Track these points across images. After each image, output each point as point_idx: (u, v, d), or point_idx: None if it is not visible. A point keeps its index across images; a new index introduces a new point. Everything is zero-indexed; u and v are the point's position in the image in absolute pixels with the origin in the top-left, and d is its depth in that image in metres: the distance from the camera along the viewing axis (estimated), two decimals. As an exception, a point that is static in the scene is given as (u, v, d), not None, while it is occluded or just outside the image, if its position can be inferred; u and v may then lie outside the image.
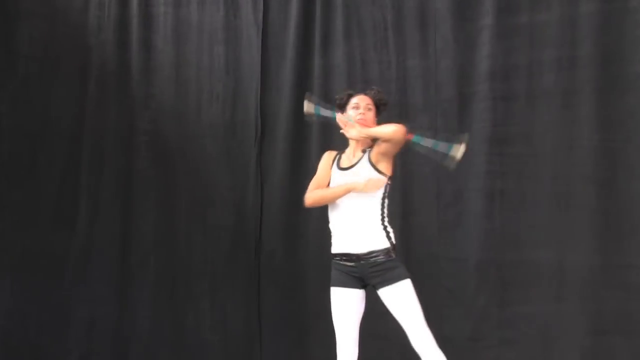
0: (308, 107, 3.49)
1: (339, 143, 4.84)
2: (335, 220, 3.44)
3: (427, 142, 3.42)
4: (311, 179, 4.85)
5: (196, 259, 5.02)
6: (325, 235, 4.82)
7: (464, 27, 4.70)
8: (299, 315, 4.85)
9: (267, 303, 4.91)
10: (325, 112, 3.49)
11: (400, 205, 4.71)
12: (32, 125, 5.09)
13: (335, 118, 3.48)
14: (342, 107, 3.54)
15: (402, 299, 3.31)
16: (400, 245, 4.71)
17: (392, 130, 3.35)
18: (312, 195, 3.49)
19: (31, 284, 4.97)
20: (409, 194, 4.75)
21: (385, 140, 3.36)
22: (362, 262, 3.35)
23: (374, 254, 3.34)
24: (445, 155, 3.39)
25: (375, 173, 3.39)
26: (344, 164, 3.49)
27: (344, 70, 4.92)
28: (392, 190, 4.69)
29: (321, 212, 4.88)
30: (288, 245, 4.93)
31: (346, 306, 3.36)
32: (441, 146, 3.38)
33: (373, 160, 3.42)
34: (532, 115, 4.58)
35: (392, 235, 3.42)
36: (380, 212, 3.40)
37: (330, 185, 3.48)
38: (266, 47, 5.03)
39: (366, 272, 3.36)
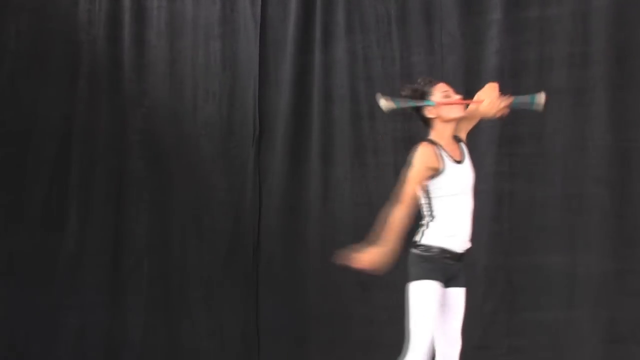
0: (387, 103, 3.33)
1: (341, 142, 4.82)
2: (452, 215, 3.19)
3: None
4: (311, 180, 4.85)
5: (191, 264, 4.96)
6: (326, 240, 4.81)
7: (471, 22, 4.62)
8: (299, 323, 4.80)
9: (266, 310, 4.85)
10: (406, 103, 3.31)
11: (406, 207, 4.65)
12: (19, 124, 5.06)
13: (415, 105, 3.28)
14: (423, 95, 3.27)
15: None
16: (404, 249, 4.71)
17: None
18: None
19: (19, 290, 4.93)
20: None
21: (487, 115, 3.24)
22: (459, 262, 3.22)
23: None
24: (530, 105, 3.35)
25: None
26: (455, 157, 3.21)
27: (345, 66, 4.84)
28: (396, 191, 4.70)
29: (321, 216, 4.86)
30: (287, 249, 4.86)
31: (437, 304, 3.15)
32: (521, 99, 3.35)
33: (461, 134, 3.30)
34: (543, 114, 4.45)
35: None
36: None
37: (449, 181, 3.17)
38: (265, 42, 4.95)
39: (454, 272, 3.21)
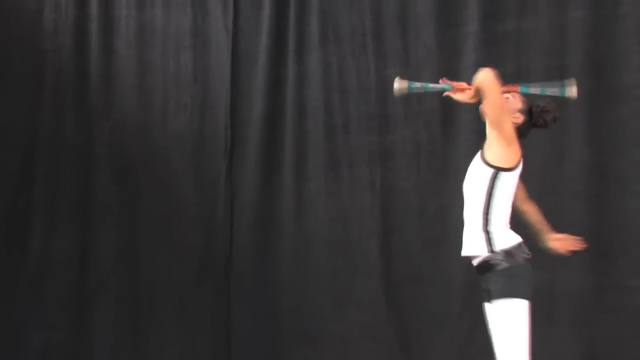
0: (400, 84, 3.24)
1: (314, 155, 4.80)
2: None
3: (535, 90, 3.22)
4: (284, 194, 4.81)
5: (161, 281, 4.89)
6: (300, 256, 4.77)
7: (447, 34, 4.63)
8: (272, 340, 4.75)
9: (238, 327, 4.79)
10: (418, 86, 3.30)
11: (380, 222, 4.64)
12: (-21, 136, 4.94)
13: (428, 88, 3.29)
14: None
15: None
16: (381, 265, 4.70)
17: (477, 77, 3.02)
18: None
19: (-21, 308, 4.80)
20: (390, 210, 4.66)
21: (480, 92, 3.03)
22: (481, 273, 3.03)
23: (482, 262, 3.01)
24: (560, 98, 3.23)
25: (483, 165, 3.06)
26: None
27: (319, 77, 4.83)
28: (372, 207, 4.70)
29: (295, 231, 4.83)
30: (260, 265, 4.81)
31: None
32: (549, 90, 3.21)
33: (484, 148, 3.09)
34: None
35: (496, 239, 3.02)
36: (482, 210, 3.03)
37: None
38: (237, 53, 4.93)
39: (486, 285, 3.03)
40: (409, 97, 4.68)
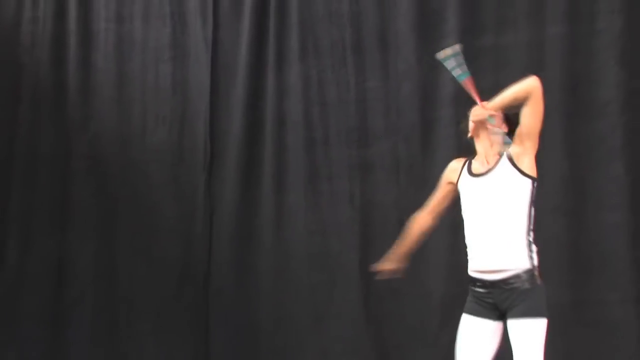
0: (447, 52, 3.19)
1: (294, 169, 4.81)
2: (469, 235, 3.07)
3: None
4: (264, 208, 4.79)
5: (139, 295, 4.86)
6: (279, 270, 4.76)
7: (426, 48, 4.63)
8: (251, 355, 4.73)
9: (217, 343, 4.77)
10: (454, 67, 3.18)
11: (359, 236, 4.64)
12: (-45, 149, 4.89)
13: (462, 79, 3.18)
14: None
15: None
16: (359, 279, 4.69)
17: (527, 83, 3.02)
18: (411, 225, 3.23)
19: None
20: (369, 224, 4.66)
21: (524, 100, 2.99)
22: (499, 289, 2.96)
23: (512, 277, 2.93)
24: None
25: (519, 175, 2.99)
26: (476, 170, 3.09)
27: (299, 90, 4.83)
28: (351, 221, 4.69)
29: (274, 244, 4.81)
30: (239, 279, 4.80)
31: (465, 337, 3.03)
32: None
33: (514, 158, 3.02)
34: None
35: (535, 254, 2.99)
36: (525, 224, 2.98)
37: (463, 195, 3.10)
38: (216, 66, 4.93)
39: (502, 302, 2.98)
40: (388, 111, 4.72)
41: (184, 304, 4.84)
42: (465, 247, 3.05)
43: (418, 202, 4.52)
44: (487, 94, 4.48)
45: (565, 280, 4.31)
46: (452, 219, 4.48)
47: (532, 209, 3.02)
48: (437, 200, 3.23)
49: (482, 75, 4.53)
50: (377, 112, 4.72)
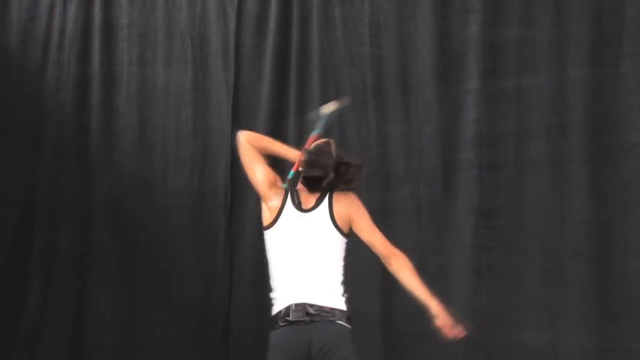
0: (329, 107, 3.32)
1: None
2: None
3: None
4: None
5: (159, 340, 4.88)
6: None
7: (448, 91, 4.70)
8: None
9: (236, 387, 4.79)
10: (323, 120, 3.30)
11: (380, 281, 4.62)
12: (-22, 192, 4.97)
13: (315, 133, 3.29)
14: None
15: None
16: (381, 323, 4.66)
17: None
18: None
19: (-27, 369, 4.79)
20: (390, 269, 4.64)
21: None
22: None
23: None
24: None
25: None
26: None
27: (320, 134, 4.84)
28: (372, 264, 4.67)
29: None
30: (259, 324, 4.73)
31: None
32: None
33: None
34: (521, 185, 4.55)
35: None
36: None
37: None
38: (237, 109, 4.98)
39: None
40: (409, 154, 4.74)
41: (204, 349, 4.86)
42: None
43: (439, 246, 4.56)
44: (509, 137, 4.55)
45: (590, 327, 4.30)
46: (474, 264, 4.49)
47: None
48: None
49: (504, 118, 4.60)
50: (398, 156, 4.74)
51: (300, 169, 3.19)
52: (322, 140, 3.28)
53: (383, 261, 3.27)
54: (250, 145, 3.33)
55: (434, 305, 3.15)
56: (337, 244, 3.20)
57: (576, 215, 4.40)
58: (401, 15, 4.77)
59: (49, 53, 5.16)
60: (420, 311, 4.60)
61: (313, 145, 3.23)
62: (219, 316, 4.83)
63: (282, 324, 3.05)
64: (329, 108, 3.34)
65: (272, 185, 3.23)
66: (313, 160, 3.13)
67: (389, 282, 4.62)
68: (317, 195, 3.16)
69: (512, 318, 4.42)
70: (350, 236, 3.24)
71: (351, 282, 4.71)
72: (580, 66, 4.46)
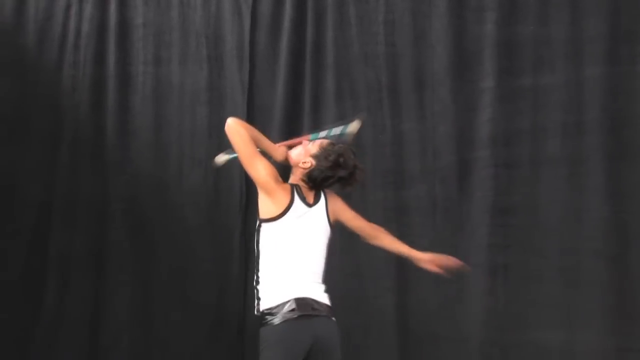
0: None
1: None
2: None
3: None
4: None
5: (175, 339, 4.89)
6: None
7: (463, 89, 4.68)
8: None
9: (252, 386, 4.76)
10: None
11: (396, 279, 4.62)
12: (-3, 191, 5.00)
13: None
14: None
15: None
16: (396, 323, 4.66)
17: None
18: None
19: (-9, 366, 4.82)
20: (406, 267, 4.62)
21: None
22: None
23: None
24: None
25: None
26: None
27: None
28: (387, 263, 4.67)
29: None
30: (274, 323, 4.77)
31: None
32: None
33: None
34: (537, 183, 4.53)
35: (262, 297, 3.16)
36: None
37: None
38: (252, 108, 5.00)
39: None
40: (424, 152, 4.73)
41: (219, 349, 4.87)
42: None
43: (454, 245, 4.54)
44: (525, 135, 4.53)
45: (608, 326, 4.28)
46: (490, 263, 4.48)
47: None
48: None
49: (520, 116, 4.58)
50: (413, 154, 4.74)
51: (301, 164, 3.21)
52: (331, 142, 3.29)
53: (370, 240, 3.48)
54: (248, 133, 3.28)
55: (416, 253, 3.38)
56: (329, 239, 3.30)
57: (593, 214, 4.38)
58: (416, 13, 4.77)
59: (65, 53, 5.18)
60: (435, 310, 4.65)
61: (338, 145, 3.24)
62: (234, 315, 4.83)
63: (287, 317, 3.03)
64: (350, 128, 3.38)
65: (277, 179, 3.23)
66: (343, 161, 3.17)
67: (404, 281, 4.66)
68: (314, 191, 3.24)
69: (528, 317, 4.41)
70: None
71: (366, 280, 4.78)
72: (596, 64, 4.45)
